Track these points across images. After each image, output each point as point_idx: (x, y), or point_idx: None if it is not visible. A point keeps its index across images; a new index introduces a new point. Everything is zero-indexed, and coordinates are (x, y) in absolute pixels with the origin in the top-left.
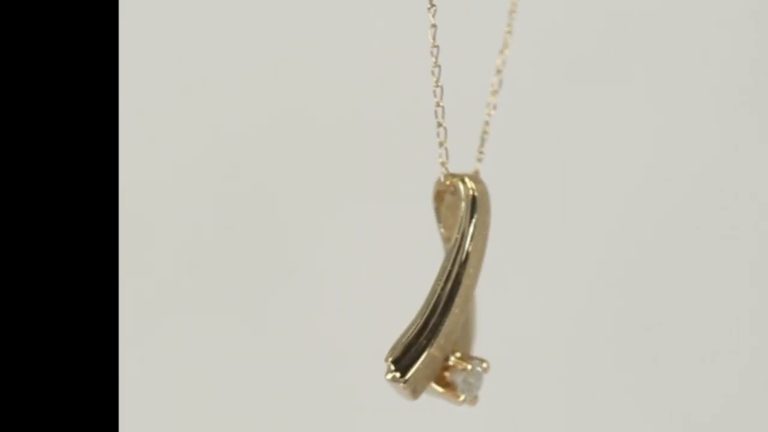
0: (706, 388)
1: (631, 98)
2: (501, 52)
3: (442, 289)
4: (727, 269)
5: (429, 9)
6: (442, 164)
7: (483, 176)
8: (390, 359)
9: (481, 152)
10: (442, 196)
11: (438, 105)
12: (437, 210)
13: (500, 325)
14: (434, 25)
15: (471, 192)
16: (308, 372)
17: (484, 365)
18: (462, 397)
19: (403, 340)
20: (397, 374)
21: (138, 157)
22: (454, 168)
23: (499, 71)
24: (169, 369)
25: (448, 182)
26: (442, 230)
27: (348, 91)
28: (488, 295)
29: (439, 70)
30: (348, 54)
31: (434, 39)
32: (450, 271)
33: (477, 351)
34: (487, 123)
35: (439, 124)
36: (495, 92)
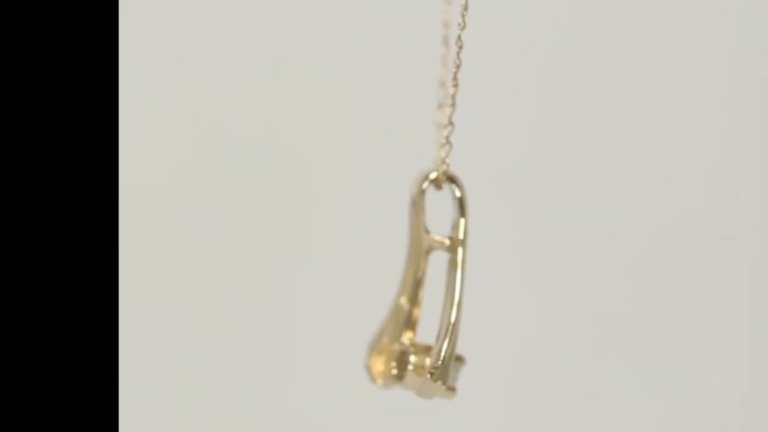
0: (706, 388)
1: (632, 98)
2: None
3: (462, 285)
4: (727, 269)
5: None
6: (443, 161)
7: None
8: (440, 366)
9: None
10: (424, 193)
11: (451, 104)
12: (420, 207)
13: (501, 324)
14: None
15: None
16: (308, 372)
17: None
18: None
19: (448, 343)
20: (442, 380)
21: (138, 157)
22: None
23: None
24: (168, 368)
25: (441, 179)
26: (430, 232)
27: (345, 90)
28: (489, 296)
29: (458, 68)
30: (350, 54)
31: (458, 43)
32: (465, 266)
33: (472, 350)
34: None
35: (450, 123)
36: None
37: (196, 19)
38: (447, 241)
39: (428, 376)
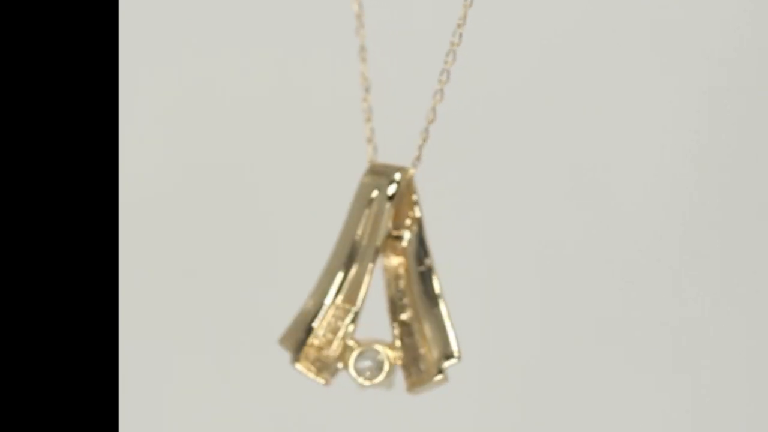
0: (689, 389)
1: (623, 98)
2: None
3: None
4: (722, 268)
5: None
6: (418, 158)
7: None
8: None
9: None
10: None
11: (433, 108)
12: (385, 208)
13: (497, 324)
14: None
15: None
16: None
17: None
18: None
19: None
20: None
21: (138, 157)
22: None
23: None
24: (168, 372)
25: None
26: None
27: (344, 94)
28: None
29: (451, 65)
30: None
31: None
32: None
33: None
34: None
35: (429, 122)
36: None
37: (197, 19)
38: (406, 240)
39: (440, 374)
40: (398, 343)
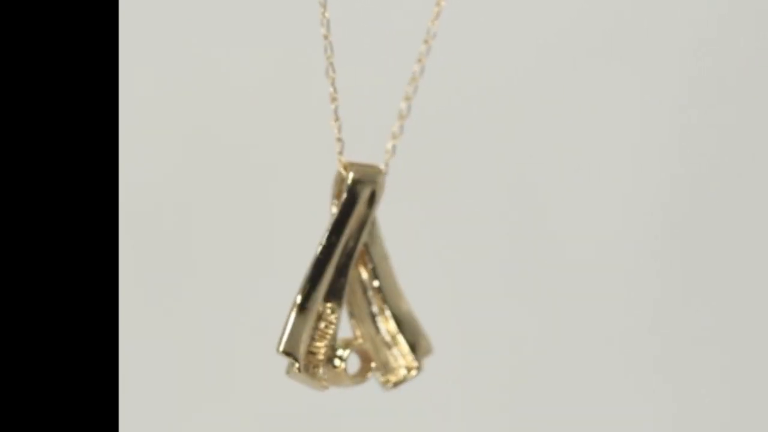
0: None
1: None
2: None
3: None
4: (719, 266)
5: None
6: (390, 157)
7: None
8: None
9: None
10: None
11: (408, 105)
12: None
13: (492, 325)
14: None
15: None
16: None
17: None
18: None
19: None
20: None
21: (138, 157)
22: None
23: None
24: (168, 365)
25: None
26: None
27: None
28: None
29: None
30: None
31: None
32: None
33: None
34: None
35: (402, 129)
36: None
37: (198, 18)
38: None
39: (415, 368)
40: (365, 340)
